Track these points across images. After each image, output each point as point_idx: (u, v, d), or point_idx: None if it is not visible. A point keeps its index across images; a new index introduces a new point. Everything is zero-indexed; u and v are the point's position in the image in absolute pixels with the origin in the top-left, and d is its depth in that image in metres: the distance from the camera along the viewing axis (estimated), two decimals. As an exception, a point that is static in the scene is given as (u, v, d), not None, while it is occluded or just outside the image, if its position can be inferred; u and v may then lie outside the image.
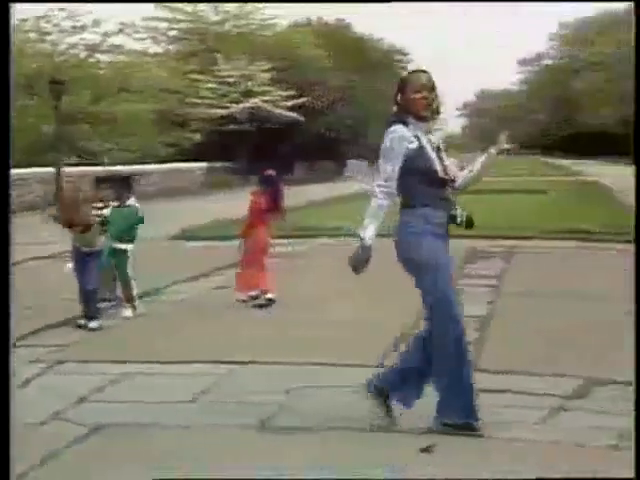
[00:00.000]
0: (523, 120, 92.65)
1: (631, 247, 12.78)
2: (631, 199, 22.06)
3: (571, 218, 16.11)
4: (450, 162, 4.66)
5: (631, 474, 3.69)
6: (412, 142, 4.46)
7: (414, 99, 4.47)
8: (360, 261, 4.49)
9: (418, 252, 4.47)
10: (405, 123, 4.49)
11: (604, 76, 68.96)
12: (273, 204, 8.52)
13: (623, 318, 7.45)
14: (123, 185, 8.18)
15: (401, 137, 4.45)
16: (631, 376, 5.47)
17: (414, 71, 4.59)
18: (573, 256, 12.14)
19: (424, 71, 4.56)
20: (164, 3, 40.95)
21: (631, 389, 5.23)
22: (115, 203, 8.02)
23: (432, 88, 4.51)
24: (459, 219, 4.53)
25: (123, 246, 7.95)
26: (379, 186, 4.46)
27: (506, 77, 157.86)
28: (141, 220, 8.08)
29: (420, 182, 4.47)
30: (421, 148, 4.47)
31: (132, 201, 8.11)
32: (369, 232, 4.45)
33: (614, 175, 38.15)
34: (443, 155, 4.60)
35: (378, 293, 8.70)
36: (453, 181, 4.60)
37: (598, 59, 69.83)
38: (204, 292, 9.40)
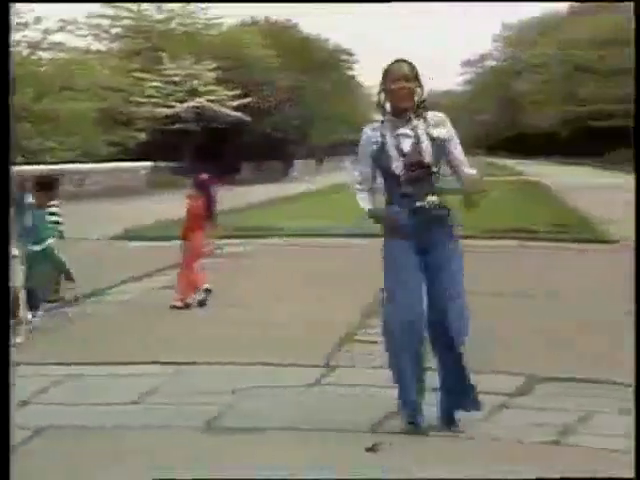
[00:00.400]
0: (468, 120, 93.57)
1: (573, 245, 13.08)
2: (571, 198, 22.51)
3: (513, 217, 16.36)
4: (458, 152, 4.55)
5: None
6: (375, 143, 4.53)
7: (393, 89, 4.47)
8: (389, 226, 4.53)
9: (383, 250, 4.57)
10: (383, 119, 4.54)
11: (545, 77, 70.01)
12: (207, 209, 8.51)
13: (570, 315, 7.63)
14: (53, 186, 8.11)
15: (366, 139, 4.57)
16: (574, 372, 5.60)
17: (395, 61, 4.54)
18: (515, 255, 12.32)
19: (405, 61, 4.52)
20: (110, 3, 40.45)
21: (573, 385, 5.36)
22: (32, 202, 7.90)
23: (414, 78, 4.49)
24: (427, 205, 4.47)
25: (44, 245, 7.81)
26: (356, 189, 4.66)
27: (452, 77, 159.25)
28: (51, 229, 7.96)
29: (385, 180, 4.56)
30: (383, 146, 4.50)
31: (55, 203, 8.08)
32: (367, 205, 4.60)
33: (555, 175, 38.83)
34: (450, 145, 4.51)
35: (324, 293, 8.73)
36: (428, 167, 4.46)
37: (540, 60, 70.86)
38: (149, 292, 9.34)
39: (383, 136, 4.51)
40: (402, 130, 4.50)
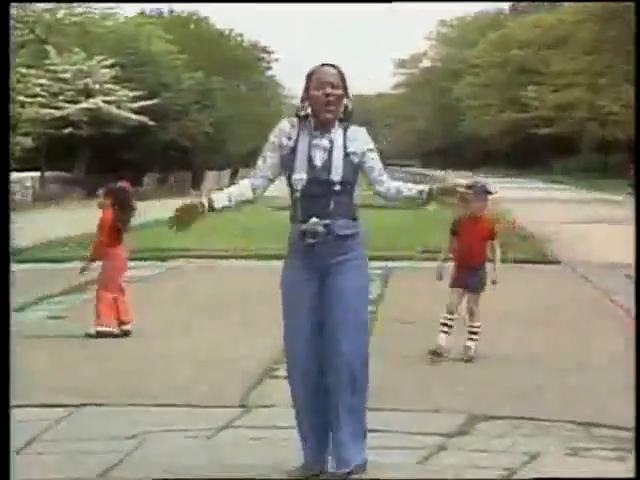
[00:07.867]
0: (401, 127, 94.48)
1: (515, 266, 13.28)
2: (515, 213, 22.94)
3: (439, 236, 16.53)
4: (378, 170, 4.48)
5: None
6: (290, 138, 4.42)
7: (317, 96, 4.37)
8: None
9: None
10: (303, 118, 4.43)
11: (483, 81, 71.41)
12: (123, 220, 8.38)
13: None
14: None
15: (280, 129, 4.46)
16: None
17: (321, 65, 4.44)
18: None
19: (333, 65, 4.44)
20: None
21: (514, 423, 5.45)
22: None
23: (341, 85, 4.39)
24: (312, 228, 4.37)
25: None
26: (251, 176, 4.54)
27: (383, 80, 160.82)
28: None
29: (290, 193, 4.47)
30: (293, 150, 4.40)
31: None
32: (218, 201, 4.47)
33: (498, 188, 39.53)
34: (365, 158, 4.43)
35: (240, 323, 8.68)
36: (333, 184, 4.37)
37: (479, 62, 72.25)
38: (38, 322, 9.14)
39: (296, 140, 4.42)
40: (317, 141, 4.41)
